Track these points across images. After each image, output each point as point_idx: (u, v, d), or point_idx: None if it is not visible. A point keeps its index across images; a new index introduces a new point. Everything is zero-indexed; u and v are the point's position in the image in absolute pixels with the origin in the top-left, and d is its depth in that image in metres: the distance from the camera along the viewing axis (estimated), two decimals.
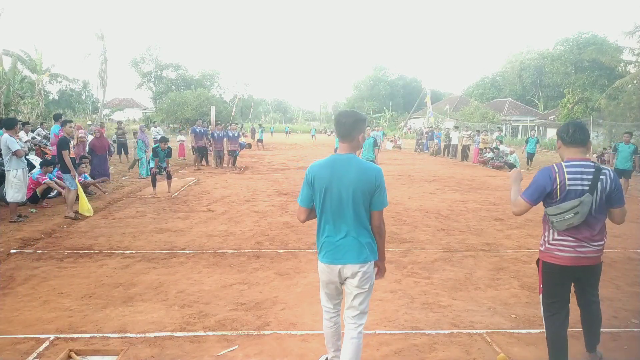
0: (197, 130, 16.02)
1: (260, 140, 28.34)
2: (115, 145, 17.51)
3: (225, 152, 16.23)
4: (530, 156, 18.65)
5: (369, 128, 10.14)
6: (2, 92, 17.52)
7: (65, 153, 7.58)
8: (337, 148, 15.36)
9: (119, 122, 20.22)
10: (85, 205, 7.97)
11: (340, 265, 2.67)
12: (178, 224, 7.51)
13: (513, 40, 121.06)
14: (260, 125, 33.42)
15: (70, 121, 8.96)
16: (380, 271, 2.90)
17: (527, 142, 19.40)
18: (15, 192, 7.20)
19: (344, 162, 2.65)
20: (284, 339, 3.62)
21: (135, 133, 16.57)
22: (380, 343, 3.57)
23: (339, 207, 2.63)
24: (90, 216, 7.89)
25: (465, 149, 22.16)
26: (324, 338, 3.02)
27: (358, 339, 2.75)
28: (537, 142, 18.71)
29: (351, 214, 2.62)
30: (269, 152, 24.96)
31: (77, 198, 8.04)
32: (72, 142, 8.52)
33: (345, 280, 2.73)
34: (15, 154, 7.13)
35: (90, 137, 13.17)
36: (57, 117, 12.36)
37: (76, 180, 7.90)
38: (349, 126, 2.65)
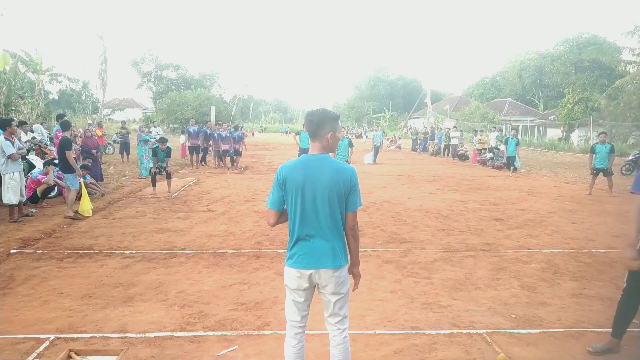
0: (191, 130, 16.23)
1: None
2: (118, 144, 17.52)
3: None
4: (511, 160, 16.22)
5: (344, 129, 10.21)
6: (2, 92, 17.48)
7: (68, 153, 7.58)
8: (302, 148, 14.84)
9: (123, 122, 20.18)
10: (85, 206, 7.97)
11: (312, 270, 2.54)
12: (178, 224, 7.51)
13: (513, 41, 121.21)
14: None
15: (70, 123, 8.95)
16: (356, 278, 2.73)
17: (506, 143, 16.63)
18: (12, 195, 7.19)
19: (317, 162, 2.53)
20: (284, 339, 3.61)
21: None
22: (380, 343, 3.56)
23: (313, 210, 2.50)
24: (90, 216, 7.90)
25: (457, 149, 22.30)
26: None
27: (345, 344, 2.66)
28: (517, 143, 16.13)
29: (326, 217, 2.51)
30: (268, 152, 24.96)
31: (78, 198, 8.04)
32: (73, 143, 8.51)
33: (317, 287, 2.61)
34: (10, 157, 7.13)
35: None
36: (59, 118, 12.41)
37: (79, 180, 7.91)
38: (316, 124, 2.53)
